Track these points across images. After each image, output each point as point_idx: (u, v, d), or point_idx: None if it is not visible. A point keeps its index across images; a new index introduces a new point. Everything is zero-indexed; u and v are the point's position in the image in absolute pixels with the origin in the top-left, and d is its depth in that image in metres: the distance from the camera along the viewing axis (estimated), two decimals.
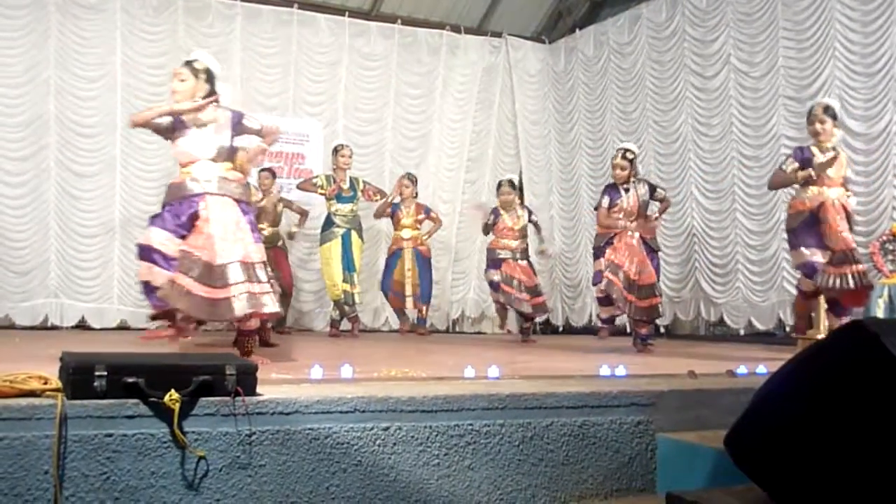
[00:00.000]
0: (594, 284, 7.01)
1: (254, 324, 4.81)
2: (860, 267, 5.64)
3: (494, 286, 8.25)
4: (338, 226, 8.40)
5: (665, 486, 3.23)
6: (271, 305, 4.63)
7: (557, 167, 10.73)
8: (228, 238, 4.61)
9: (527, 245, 8.39)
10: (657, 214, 7.23)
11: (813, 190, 5.74)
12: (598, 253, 6.93)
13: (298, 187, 8.86)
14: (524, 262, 8.24)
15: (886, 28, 7.18)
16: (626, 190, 6.85)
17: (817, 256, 5.68)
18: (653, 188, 7.01)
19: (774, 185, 6.20)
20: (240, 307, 4.51)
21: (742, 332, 8.34)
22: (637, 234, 6.82)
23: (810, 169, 5.69)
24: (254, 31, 9.67)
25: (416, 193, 9.02)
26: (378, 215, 8.96)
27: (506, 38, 10.91)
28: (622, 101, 9.77)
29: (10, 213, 8.65)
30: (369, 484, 3.01)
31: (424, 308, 9.00)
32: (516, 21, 11.04)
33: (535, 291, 8.17)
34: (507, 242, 8.22)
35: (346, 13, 10.12)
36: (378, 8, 10.42)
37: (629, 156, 6.89)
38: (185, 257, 4.57)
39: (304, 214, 8.93)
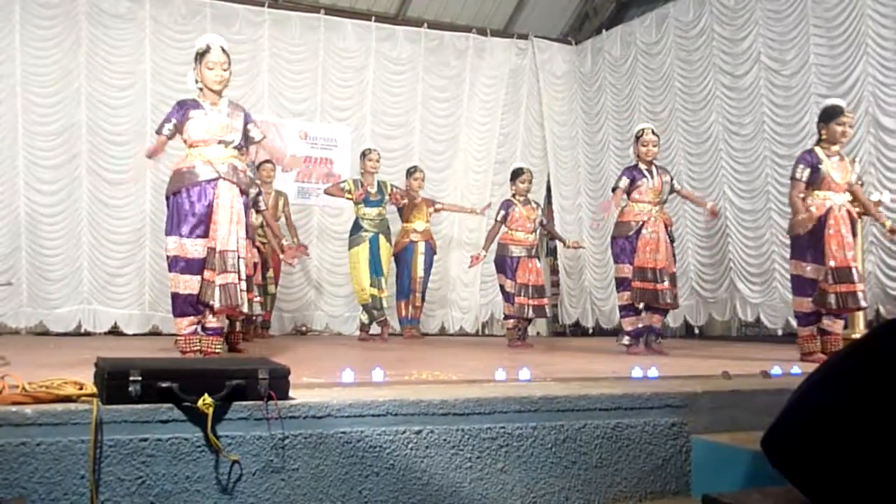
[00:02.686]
0: (619, 290, 6.70)
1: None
2: (861, 286, 5.52)
3: (508, 297, 7.72)
4: (366, 230, 8.41)
5: (700, 488, 3.20)
6: (247, 306, 4.87)
7: (585, 168, 10.68)
8: (232, 227, 4.68)
9: (538, 241, 7.95)
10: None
11: (819, 195, 5.65)
12: (620, 245, 6.61)
13: (326, 192, 8.89)
14: (535, 260, 7.79)
15: None
16: (650, 172, 6.64)
17: (810, 272, 5.60)
18: (674, 185, 6.85)
19: (794, 206, 5.72)
20: (230, 297, 4.67)
21: (780, 332, 8.24)
22: (661, 221, 6.58)
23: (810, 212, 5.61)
24: (281, 37, 9.73)
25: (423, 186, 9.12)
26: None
27: (532, 39, 10.89)
28: (650, 102, 9.72)
29: (44, 220, 8.77)
30: (402, 487, 3.00)
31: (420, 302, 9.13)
32: (542, 23, 11.02)
33: (540, 292, 7.75)
34: (522, 236, 7.69)
35: (373, 18, 10.16)
36: (404, 12, 10.45)
37: (657, 134, 6.74)
38: (209, 253, 4.68)
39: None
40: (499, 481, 3.14)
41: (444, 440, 3.08)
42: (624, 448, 3.35)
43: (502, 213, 7.84)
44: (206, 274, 4.68)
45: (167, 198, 4.87)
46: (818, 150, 5.71)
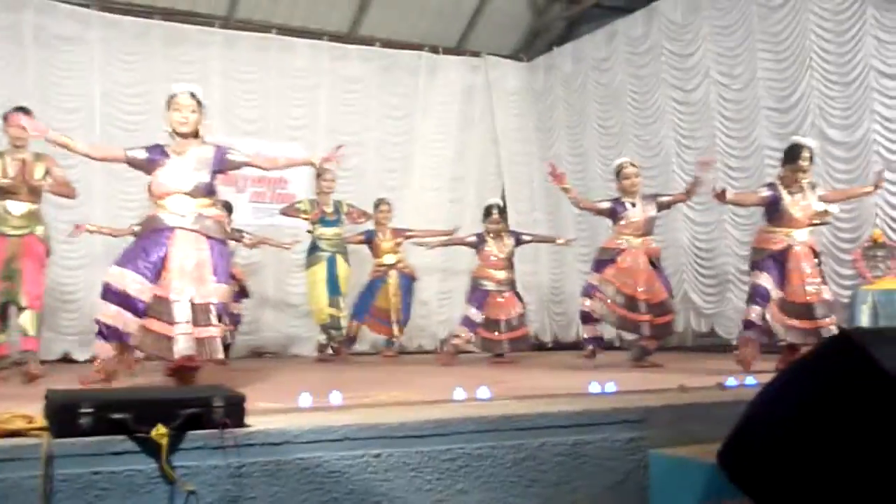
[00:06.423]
0: (583, 296, 6.92)
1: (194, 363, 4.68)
2: (821, 322, 5.60)
3: (471, 324, 7.72)
4: (323, 250, 8.37)
5: (659, 503, 3.22)
6: (211, 352, 4.56)
7: (540, 184, 10.74)
8: (185, 276, 4.56)
9: (513, 276, 8.07)
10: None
11: (779, 231, 5.76)
12: (598, 266, 6.82)
13: (282, 212, 8.81)
14: (509, 294, 7.86)
15: (859, 38, 7.25)
16: (633, 204, 6.81)
17: (770, 284, 5.70)
18: (658, 201, 6.98)
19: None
20: (179, 348, 4.46)
21: (735, 342, 8.32)
22: (642, 252, 6.77)
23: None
24: (232, 57, 9.67)
25: (391, 218, 8.85)
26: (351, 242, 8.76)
27: (484, 57, 10.96)
28: (602, 117, 9.81)
29: None
30: None
31: (400, 330, 8.90)
32: (494, 40, 11.08)
33: (518, 323, 7.80)
34: (492, 273, 7.79)
35: (325, 37, 10.14)
36: (356, 31, 10.45)
37: (636, 166, 6.97)
38: (155, 301, 4.53)
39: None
40: (459, 502, 3.13)
41: (404, 463, 3.06)
42: (583, 465, 3.35)
43: (474, 239, 8.00)
44: (147, 322, 4.49)
45: (137, 237, 4.83)
46: (779, 185, 5.83)
